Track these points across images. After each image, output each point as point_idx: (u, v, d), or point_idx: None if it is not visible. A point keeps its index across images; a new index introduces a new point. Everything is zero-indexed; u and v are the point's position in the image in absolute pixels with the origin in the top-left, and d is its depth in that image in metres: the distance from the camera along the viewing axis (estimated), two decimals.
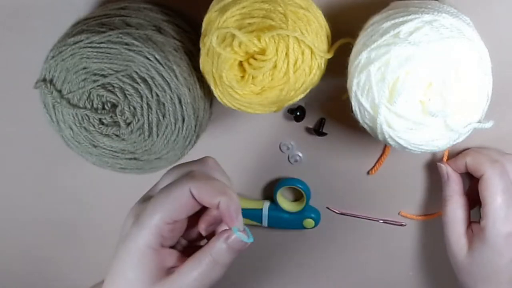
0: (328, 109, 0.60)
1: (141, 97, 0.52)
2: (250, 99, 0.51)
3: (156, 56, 0.51)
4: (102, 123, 0.54)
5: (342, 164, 0.63)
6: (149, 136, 0.54)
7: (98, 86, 0.52)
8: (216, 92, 0.52)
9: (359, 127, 0.51)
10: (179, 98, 0.52)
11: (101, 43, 0.51)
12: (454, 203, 0.57)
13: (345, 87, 0.51)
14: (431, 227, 0.64)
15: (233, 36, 0.48)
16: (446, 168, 0.58)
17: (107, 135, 0.55)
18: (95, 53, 0.51)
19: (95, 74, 0.52)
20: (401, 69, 0.46)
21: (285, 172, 0.65)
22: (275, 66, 0.49)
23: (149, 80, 0.51)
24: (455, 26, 0.47)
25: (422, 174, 0.62)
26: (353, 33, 0.51)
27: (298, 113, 0.59)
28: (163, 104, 0.52)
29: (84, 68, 0.52)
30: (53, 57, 0.53)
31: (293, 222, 0.66)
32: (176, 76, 0.52)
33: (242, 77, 0.50)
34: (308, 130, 0.62)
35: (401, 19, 0.47)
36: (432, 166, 0.61)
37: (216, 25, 0.49)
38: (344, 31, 0.52)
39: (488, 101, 0.49)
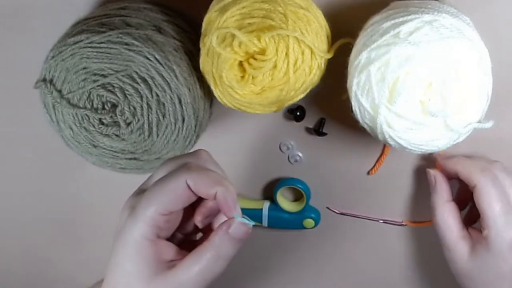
0: (328, 109, 0.60)
1: (141, 97, 0.52)
2: (250, 99, 0.51)
3: (156, 56, 0.51)
4: (102, 123, 0.54)
5: (342, 164, 0.63)
6: (149, 136, 0.54)
7: (98, 86, 0.52)
8: (216, 92, 0.52)
9: (359, 127, 0.51)
10: (179, 98, 0.52)
11: (101, 43, 0.51)
12: (444, 212, 0.56)
13: (345, 87, 0.51)
14: (431, 227, 0.64)
15: (233, 36, 0.48)
16: (434, 175, 0.57)
17: (107, 135, 0.55)
18: (95, 53, 0.51)
19: (95, 74, 0.52)
20: (401, 69, 0.46)
21: (285, 172, 0.65)
22: (275, 66, 0.49)
23: (149, 80, 0.51)
24: (455, 26, 0.47)
25: (422, 174, 0.62)
26: (353, 33, 0.51)
27: (298, 113, 0.59)
28: (163, 104, 0.52)
29: (84, 68, 0.52)
30: (53, 57, 0.53)
31: (293, 222, 0.66)
32: (176, 76, 0.52)
33: (242, 77, 0.50)
34: (308, 130, 0.62)
35: (401, 19, 0.47)
36: (432, 166, 0.61)
37: (216, 25, 0.49)
38: (344, 31, 0.52)
39: (488, 101, 0.49)
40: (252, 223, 0.43)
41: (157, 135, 0.54)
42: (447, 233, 0.55)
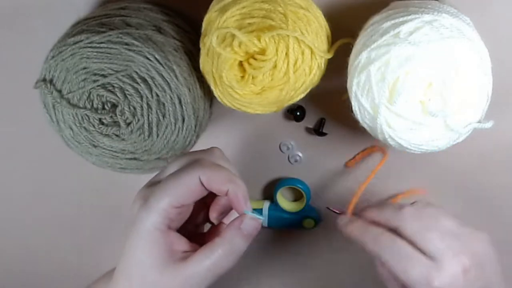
0: (328, 109, 0.60)
1: (141, 97, 0.52)
2: (250, 99, 0.51)
3: (156, 56, 0.51)
4: (102, 123, 0.54)
5: (342, 164, 0.63)
6: (149, 136, 0.54)
7: (98, 86, 0.52)
8: (216, 92, 0.52)
9: (359, 127, 0.51)
10: (179, 98, 0.52)
11: (101, 43, 0.51)
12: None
13: (345, 87, 0.51)
14: None
15: (233, 36, 0.48)
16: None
17: (107, 135, 0.55)
18: (95, 53, 0.51)
19: (95, 74, 0.52)
20: (401, 69, 0.46)
21: (285, 172, 0.65)
22: (275, 66, 0.49)
23: (149, 80, 0.51)
24: (455, 26, 0.47)
25: (422, 174, 0.62)
26: (353, 33, 0.51)
27: (298, 113, 0.59)
28: (163, 104, 0.52)
29: (84, 68, 0.52)
30: (53, 57, 0.53)
31: (293, 222, 0.66)
32: (176, 76, 0.52)
33: (242, 77, 0.50)
34: (308, 130, 0.62)
35: (401, 19, 0.47)
36: (432, 166, 0.61)
37: (216, 25, 0.49)
38: (344, 31, 0.52)
39: (488, 101, 0.49)
40: (261, 218, 0.45)
41: (157, 135, 0.54)
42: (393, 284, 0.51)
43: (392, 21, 0.47)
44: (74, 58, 0.52)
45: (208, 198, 0.47)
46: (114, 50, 0.51)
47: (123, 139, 0.54)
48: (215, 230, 0.49)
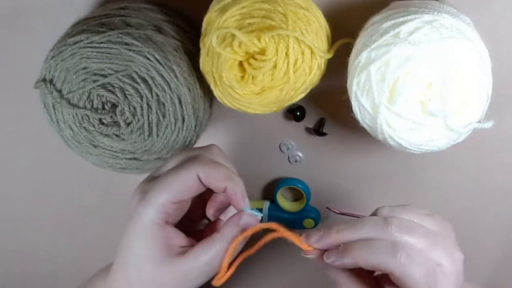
0: (328, 109, 0.60)
1: (141, 97, 0.52)
2: (250, 99, 0.51)
3: (156, 56, 0.51)
4: (102, 123, 0.54)
5: (342, 164, 0.63)
6: (149, 136, 0.54)
7: (98, 86, 0.52)
8: (216, 92, 0.52)
9: (359, 127, 0.51)
10: (179, 98, 0.52)
11: (101, 43, 0.51)
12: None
13: (345, 87, 0.51)
14: None
15: (233, 36, 0.48)
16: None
17: (107, 135, 0.55)
18: (95, 53, 0.51)
19: (95, 74, 0.52)
20: (401, 69, 0.46)
21: (285, 172, 0.65)
22: (275, 66, 0.49)
23: (149, 80, 0.51)
24: (455, 26, 0.47)
25: (422, 174, 0.62)
26: (353, 33, 0.51)
27: (298, 113, 0.59)
28: (163, 104, 0.52)
29: (84, 68, 0.52)
30: (53, 57, 0.53)
31: (293, 222, 0.66)
32: (176, 76, 0.52)
33: (242, 77, 0.50)
34: (308, 130, 0.62)
35: (401, 19, 0.47)
36: (432, 166, 0.61)
37: (216, 25, 0.49)
38: (344, 31, 0.52)
39: (488, 101, 0.49)
40: (260, 214, 0.45)
41: (157, 135, 0.54)
42: None
43: (392, 21, 0.47)
44: (74, 58, 0.52)
45: (206, 194, 0.47)
46: (114, 50, 0.51)
47: (123, 139, 0.54)
48: (212, 226, 0.49)
